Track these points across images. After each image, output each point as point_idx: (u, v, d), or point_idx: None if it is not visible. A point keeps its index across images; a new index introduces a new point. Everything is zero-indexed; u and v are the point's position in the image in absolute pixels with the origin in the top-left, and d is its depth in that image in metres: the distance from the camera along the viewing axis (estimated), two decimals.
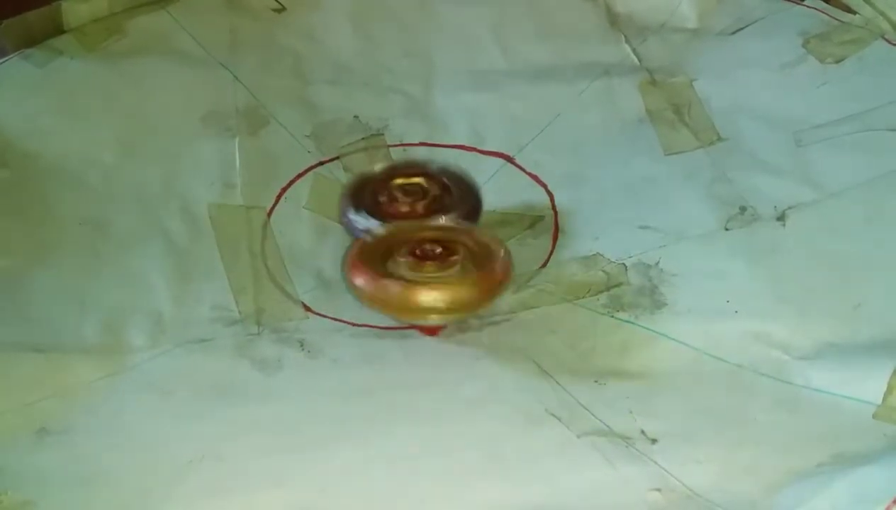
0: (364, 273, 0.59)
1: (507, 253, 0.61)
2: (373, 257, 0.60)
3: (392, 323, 0.62)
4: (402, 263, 0.59)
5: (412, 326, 0.61)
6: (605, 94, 0.77)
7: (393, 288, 0.58)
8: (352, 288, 0.60)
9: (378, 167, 0.69)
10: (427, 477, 0.53)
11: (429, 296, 0.58)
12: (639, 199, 0.69)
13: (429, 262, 0.59)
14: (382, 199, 0.65)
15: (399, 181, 0.66)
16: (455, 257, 0.59)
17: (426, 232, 0.61)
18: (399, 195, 0.65)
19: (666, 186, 0.70)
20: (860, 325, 0.59)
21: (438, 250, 0.60)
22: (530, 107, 0.76)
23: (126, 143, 0.73)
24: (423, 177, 0.66)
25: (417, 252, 0.59)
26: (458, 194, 0.66)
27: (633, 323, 0.61)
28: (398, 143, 0.75)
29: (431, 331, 0.62)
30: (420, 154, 0.73)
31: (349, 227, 0.65)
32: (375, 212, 0.65)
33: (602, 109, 0.76)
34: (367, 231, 0.63)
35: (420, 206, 0.65)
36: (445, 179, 0.66)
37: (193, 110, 0.75)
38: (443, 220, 0.64)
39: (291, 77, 0.79)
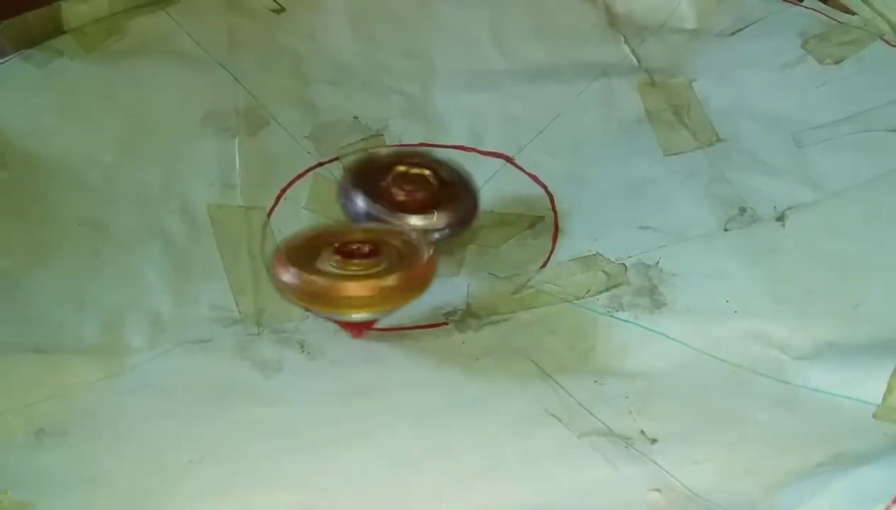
0: (290, 270, 0.58)
1: (434, 254, 0.61)
2: (299, 254, 0.60)
3: (392, 323, 0.62)
4: (329, 261, 0.59)
5: (339, 323, 0.61)
6: (605, 94, 0.77)
7: (319, 281, 0.58)
8: (277, 283, 0.59)
9: (385, 151, 0.69)
10: (427, 477, 0.53)
11: (353, 289, 0.58)
12: (638, 200, 0.69)
13: (356, 260, 0.59)
14: (384, 183, 0.65)
15: (402, 169, 0.66)
16: (382, 255, 0.60)
17: (355, 233, 0.62)
18: (400, 182, 0.65)
19: (665, 187, 0.70)
20: (860, 325, 0.59)
21: (366, 249, 0.60)
22: (530, 107, 0.76)
23: (126, 143, 0.73)
24: (427, 168, 0.66)
25: (345, 250, 0.60)
26: (457, 193, 0.66)
27: (632, 323, 0.61)
28: (398, 143, 0.75)
29: (358, 330, 0.61)
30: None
31: (345, 206, 0.65)
32: (374, 195, 0.65)
33: (601, 110, 0.76)
34: (365, 214, 0.64)
35: (418, 197, 0.65)
36: (447, 176, 0.66)
37: (193, 111, 0.75)
38: (434, 218, 0.64)
39: (291, 77, 0.79)
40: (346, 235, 0.61)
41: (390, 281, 0.58)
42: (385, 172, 0.66)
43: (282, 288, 0.59)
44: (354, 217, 0.65)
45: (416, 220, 0.64)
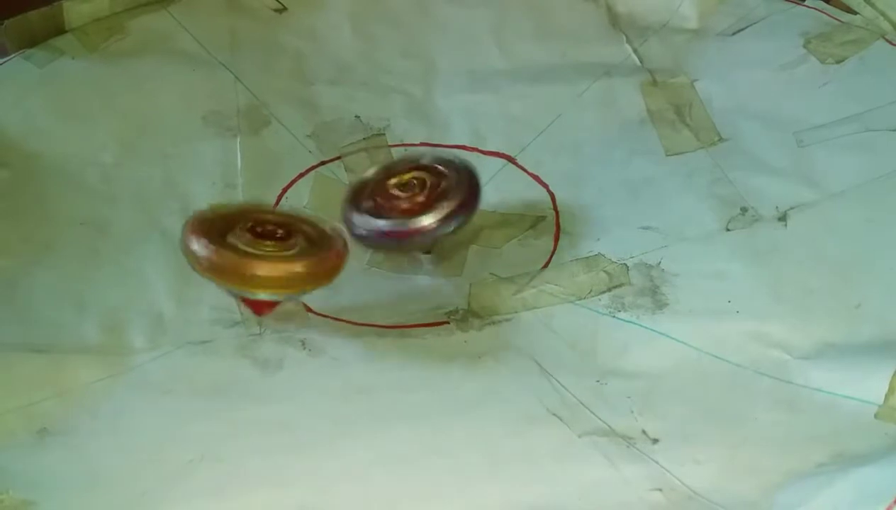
0: (202, 240, 0.58)
1: (346, 243, 0.61)
2: (212, 228, 0.59)
3: (392, 322, 0.62)
4: (241, 237, 0.59)
5: (243, 299, 0.61)
6: (607, 94, 0.77)
7: (229, 257, 0.58)
8: (188, 255, 0.58)
9: (371, 171, 0.68)
10: (427, 477, 0.53)
11: (263, 269, 0.58)
12: (640, 200, 0.69)
13: (267, 241, 0.59)
14: (381, 200, 0.65)
15: (394, 181, 0.66)
16: (293, 240, 0.60)
17: (269, 215, 0.61)
18: (397, 193, 0.65)
19: (667, 187, 0.70)
20: (861, 325, 0.59)
21: (279, 232, 0.60)
22: (531, 107, 0.76)
23: (127, 142, 0.73)
24: (417, 170, 0.66)
25: (258, 230, 0.59)
26: (456, 178, 0.65)
27: (634, 323, 0.61)
28: (399, 143, 0.75)
29: (259, 308, 0.61)
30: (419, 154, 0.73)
31: (355, 234, 0.65)
32: (380, 214, 0.64)
33: (603, 110, 0.76)
34: (382, 234, 0.63)
35: (421, 198, 0.64)
36: (440, 166, 0.66)
37: (194, 110, 0.75)
38: (445, 208, 0.63)
39: (292, 77, 0.79)
40: (259, 215, 0.61)
41: (299, 267, 0.58)
42: (380, 190, 0.65)
43: (191, 258, 0.58)
44: (371, 240, 0.64)
45: (430, 218, 0.63)
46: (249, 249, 0.58)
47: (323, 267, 0.59)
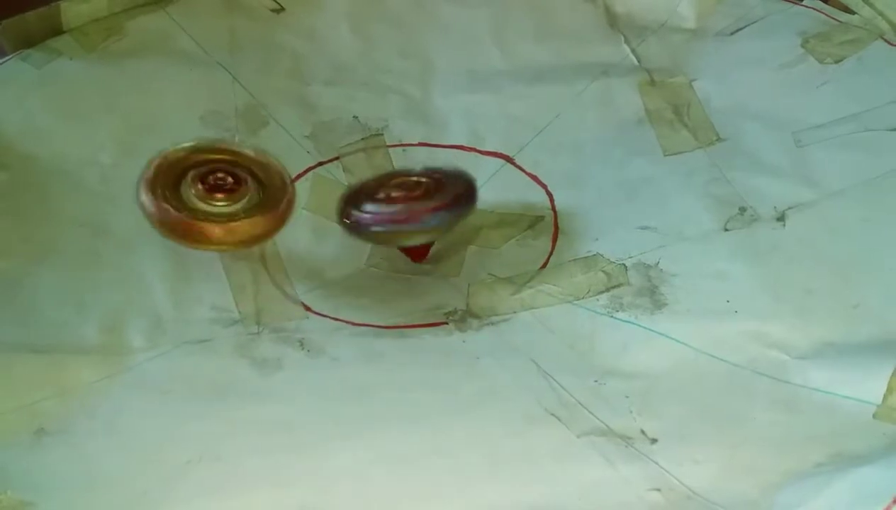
0: (155, 197, 0.59)
1: (293, 186, 0.62)
2: (166, 181, 0.60)
3: (390, 322, 0.62)
4: (192, 192, 0.60)
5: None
6: (605, 94, 0.77)
7: (182, 219, 0.59)
8: (141, 208, 0.60)
9: (366, 179, 0.68)
10: (427, 477, 0.53)
11: (215, 232, 0.59)
12: (638, 200, 0.69)
13: (218, 195, 0.60)
14: (379, 196, 0.64)
15: (393, 182, 0.65)
16: (244, 188, 0.60)
17: (217, 154, 0.62)
18: (395, 193, 0.64)
19: (665, 187, 0.70)
20: (860, 325, 0.59)
21: (229, 181, 0.60)
22: (530, 107, 0.76)
23: (125, 143, 0.73)
24: (410, 176, 0.66)
25: (210, 180, 0.60)
26: (453, 176, 0.65)
27: (632, 323, 0.61)
28: (397, 143, 0.75)
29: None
30: (419, 154, 0.74)
31: (355, 221, 0.64)
32: (376, 204, 0.64)
33: (601, 110, 0.76)
34: (381, 218, 0.63)
35: (418, 192, 0.63)
36: (435, 173, 0.65)
37: (193, 110, 0.75)
38: (444, 196, 0.63)
39: (290, 77, 0.79)
40: (209, 162, 0.61)
41: (250, 227, 0.60)
42: (377, 190, 0.65)
43: (146, 215, 0.60)
44: (369, 228, 0.64)
45: (424, 204, 0.63)
46: (202, 206, 0.59)
47: (273, 221, 0.60)
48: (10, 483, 0.52)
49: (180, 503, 0.52)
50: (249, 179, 0.61)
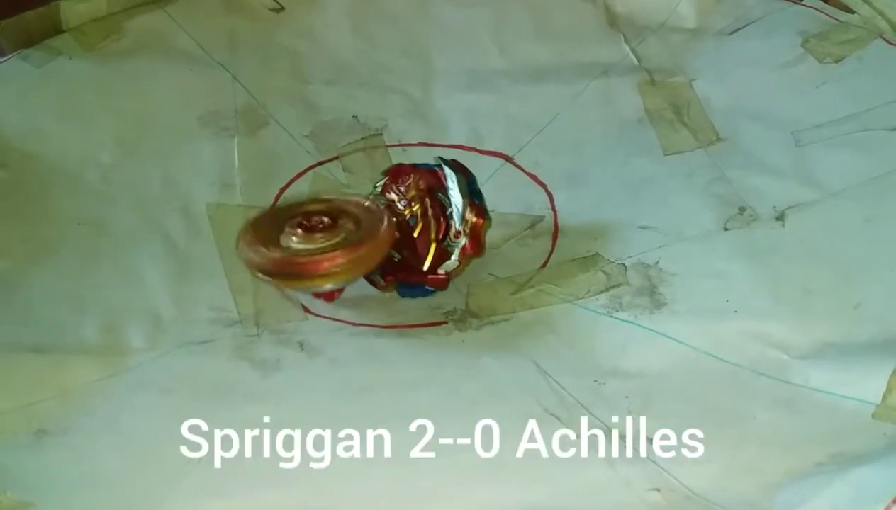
0: (257, 248, 0.59)
1: (391, 219, 0.61)
2: (265, 234, 0.60)
3: (390, 322, 0.62)
4: (293, 236, 0.60)
5: (315, 295, 0.63)
6: (604, 94, 0.77)
7: (287, 260, 0.59)
8: (247, 265, 0.60)
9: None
10: (427, 477, 0.53)
11: (324, 264, 0.59)
12: (638, 200, 0.69)
13: (318, 233, 0.60)
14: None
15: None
16: (341, 223, 0.60)
17: (314, 205, 0.62)
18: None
19: (665, 186, 0.70)
20: (859, 325, 0.59)
21: (326, 220, 0.60)
22: (529, 107, 0.76)
23: (125, 142, 0.73)
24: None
25: (306, 224, 0.60)
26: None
27: (632, 323, 0.61)
28: (396, 142, 0.75)
29: (328, 296, 0.63)
30: (419, 154, 0.73)
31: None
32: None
33: (601, 109, 0.76)
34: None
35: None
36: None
37: (192, 110, 0.75)
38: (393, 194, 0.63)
39: (290, 77, 0.79)
40: (304, 207, 0.61)
41: (355, 251, 0.59)
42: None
43: (250, 268, 0.60)
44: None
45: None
46: (304, 247, 0.59)
47: (377, 244, 0.60)
48: (10, 483, 0.52)
49: (181, 503, 0.52)
50: (344, 215, 0.61)
